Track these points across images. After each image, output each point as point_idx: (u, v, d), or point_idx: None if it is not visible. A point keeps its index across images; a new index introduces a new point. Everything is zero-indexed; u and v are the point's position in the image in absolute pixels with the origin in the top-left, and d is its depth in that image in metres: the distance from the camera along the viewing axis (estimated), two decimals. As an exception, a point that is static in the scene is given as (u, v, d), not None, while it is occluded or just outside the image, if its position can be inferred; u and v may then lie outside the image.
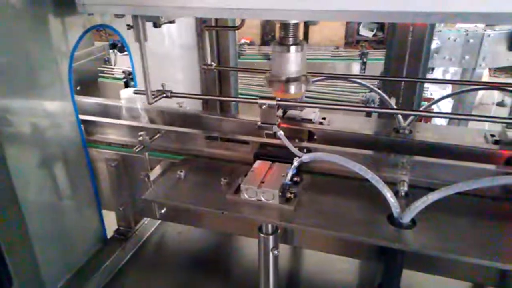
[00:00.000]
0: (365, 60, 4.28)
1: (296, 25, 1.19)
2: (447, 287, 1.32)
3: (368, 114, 2.39)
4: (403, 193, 1.12)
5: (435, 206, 0.98)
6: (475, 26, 3.01)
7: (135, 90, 1.31)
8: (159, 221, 1.72)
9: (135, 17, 1.08)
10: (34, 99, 1.19)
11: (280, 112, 1.48)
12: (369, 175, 1.04)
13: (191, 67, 2.16)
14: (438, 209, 1.02)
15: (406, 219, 1.01)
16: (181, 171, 1.26)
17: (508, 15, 0.77)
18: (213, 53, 2.06)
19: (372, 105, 2.49)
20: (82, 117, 1.41)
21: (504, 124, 1.29)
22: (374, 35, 7.41)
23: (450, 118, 2.26)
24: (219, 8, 1.00)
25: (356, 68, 4.55)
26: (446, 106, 3.73)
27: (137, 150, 1.33)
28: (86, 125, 1.49)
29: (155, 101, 1.21)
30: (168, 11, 1.06)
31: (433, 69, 3.75)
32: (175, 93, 1.27)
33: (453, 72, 4.04)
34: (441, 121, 3.37)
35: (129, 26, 1.49)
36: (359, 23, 7.11)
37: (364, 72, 4.33)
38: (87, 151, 1.41)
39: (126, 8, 1.06)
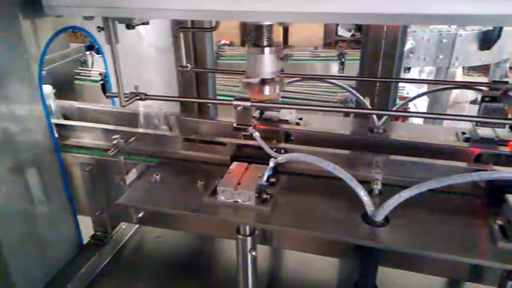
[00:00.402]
0: (343, 60, 4.33)
1: (270, 27, 1.19)
2: (423, 283, 1.35)
3: (347, 114, 2.42)
4: (377, 192, 1.14)
5: (408, 204, 1.00)
6: (449, 26, 3.09)
7: (108, 93, 1.29)
8: (137, 225, 1.69)
9: (105, 19, 1.06)
10: (2, 103, 1.16)
11: (257, 113, 1.48)
12: (343, 174, 1.05)
13: (168, 69, 2.13)
14: (412, 206, 1.04)
15: (380, 217, 1.02)
16: (157, 174, 1.24)
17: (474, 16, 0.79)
18: (190, 54, 2.04)
19: (349, 105, 2.52)
20: (54, 121, 1.37)
21: (473, 122, 1.33)
22: (352, 36, 7.50)
23: (421, 117, 2.31)
24: (192, 10, 0.99)
25: (335, 68, 4.60)
26: (422, 105, 3.82)
27: (111, 153, 1.31)
28: (59, 129, 1.46)
29: (128, 104, 1.19)
30: (139, 13, 1.05)
31: (409, 68, 3.83)
32: (149, 95, 1.25)
33: (428, 71, 4.14)
34: (418, 120, 3.45)
35: (100, 28, 1.46)
36: (337, 24, 7.19)
37: (342, 72, 4.38)
38: (60, 155, 1.38)
39: (96, 10, 1.03)
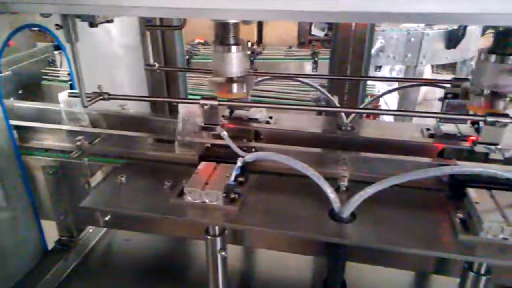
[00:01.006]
0: (316, 59, 4.37)
1: (237, 25, 1.18)
2: (391, 277, 1.37)
3: (320, 113, 2.45)
4: (344, 188, 1.15)
5: (375, 199, 1.02)
6: (418, 26, 3.17)
7: (69, 92, 1.25)
8: (105, 228, 1.65)
9: (64, 16, 1.02)
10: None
11: (227, 113, 1.47)
12: (309, 172, 1.05)
13: (137, 68, 2.10)
14: (378, 202, 1.05)
15: (346, 213, 1.03)
16: (122, 176, 1.21)
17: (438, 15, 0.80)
18: (159, 53, 2.01)
19: (321, 104, 2.54)
20: (13, 122, 1.32)
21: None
22: (325, 35, 7.57)
23: (385, 114, 2.36)
24: (157, 8, 0.97)
25: (308, 67, 4.64)
26: (393, 102, 3.90)
27: (75, 155, 1.27)
28: (20, 131, 1.40)
29: (91, 104, 1.15)
30: (101, 10, 1.01)
31: (380, 67, 3.91)
32: (113, 95, 1.22)
33: (398, 70, 4.23)
34: (390, 118, 3.52)
35: (59, 26, 1.40)
36: (310, 23, 7.25)
37: (316, 71, 4.42)
38: (21, 158, 1.33)
39: (54, 6, 0.99)
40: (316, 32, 7.38)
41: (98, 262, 1.56)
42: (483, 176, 1.03)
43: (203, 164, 1.21)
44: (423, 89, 4.19)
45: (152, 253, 1.59)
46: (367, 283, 1.33)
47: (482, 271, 1.05)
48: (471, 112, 1.18)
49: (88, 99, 1.16)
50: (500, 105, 1.03)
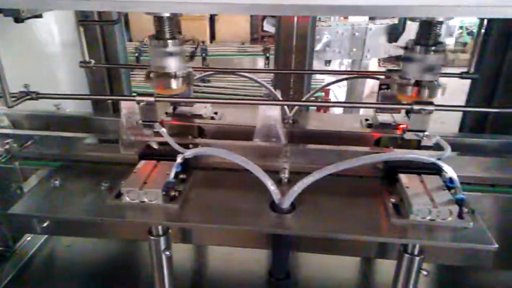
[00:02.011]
0: (268, 55, 4.39)
1: (172, 19, 1.16)
2: (334, 263, 1.41)
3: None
4: (286, 180, 1.16)
5: (315, 189, 1.04)
6: (364, 20, 3.27)
7: (-8, 93, 1.16)
8: (45, 236, 1.56)
9: (-23, 9, 0.95)
10: None
11: (171, 109, 1.44)
12: (249, 165, 1.06)
13: (77, 66, 2.00)
14: (318, 192, 1.08)
15: (286, 204, 1.05)
16: (56, 179, 1.15)
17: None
18: (99, 49, 1.93)
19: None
20: None
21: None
22: (278, 31, 7.67)
23: (325, 106, 2.42)
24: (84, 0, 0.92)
25: (261, 63, 4.67)
26: (343, 95, 4.02)
27: (3, 160, 1.19)
28: None
29: (16, 104, 1.08)
30: (23, 4, 0.95)
31: (329, 61, 4.01)
32: (43, 94, 1.15)
33: (347, 64, 4.36)
34: (339, 110, 3.62)
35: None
36: (263, 18, 7.29)
37: (268, 66, 4.45)
38: None
39: (-34, -1, 0.92)
40: (268, 28, 7.44)
41: (38, 271, 1.48)
42: (414, 162, 1.09)
43: (142, 163, 1.18)
44: (371, 82, 4.35)
45: (96, 258, 1.53)
46: (311, 271, 1.36)
47: (416, 252, 1.11)
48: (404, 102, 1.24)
49: (14, 99, 1.09)
50: (426, 93, 1.09)
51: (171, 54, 1.16)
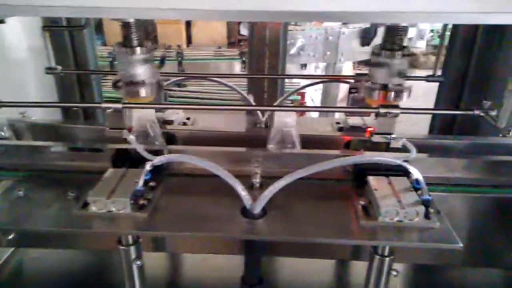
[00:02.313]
0: (244, 59, 4.40)
1: (139, 25, 1.14)
2: (308, 267, 1.42)
3: (249, 112, 2.46)
4: (258, 185, 1.16)
5: (286, 193, 1.04)
6: (338, 24, 3.33)
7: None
8: (12, 248, 1.51)
9: None
10: None
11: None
12: (219, 171, 1.05)
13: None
14: (289, 196, 1.08)
15: (257, 209, 1.04)
16: (20, 190, 1.11)
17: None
18: (68, 55, 1.89)
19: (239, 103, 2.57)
20: None
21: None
22: (255, 35, 7.69)
23: (295, 111, 2.43)
24: (47, 6, 0.90)
25: (238, 67, 4.67)
26: (318, 98, 4.07)
27: (-40, 171, 1.14)
28: None
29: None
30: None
31: (305, 65, 4.05)
32: (3, 102, 1.12)
33: (322, 67, 4.42)
34: (315, 114, 3.66)
35: None
36: (239, 23, 7.32)
37: (244, 71, 4.46)
38: None
39: None
40: (245, 32, 7.48)
41: (6, 285, 1.42)
42: (382, 164, 1.10)
43: (110, 171, 1.16)
44: (346, 86, 4.42)
45: (67, 269, 1.48)
46: (284, 275, 1.37)
47: (386, 253, 1.12)
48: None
49: (-28, 107, 1.05)
50: (392, 97, 1.11)
51: (138, 61, 1.14)
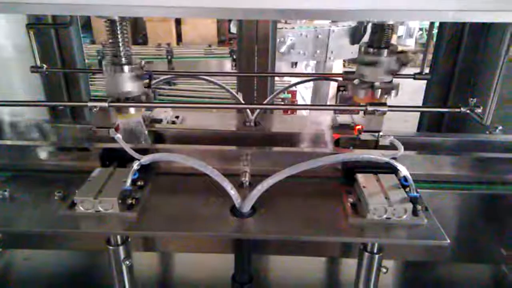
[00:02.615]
0: (234, 57, 4.39)
1: (128, 43, 1.13)
2: (298, 265, 1.42)
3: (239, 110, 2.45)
4: (247, 184, 1.16)
5: (276, 192, 1.04)
6: (327, 22, 3.33)
7: None
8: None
9: None
10: None
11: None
12: (208, 170, 1.04)
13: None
14: (279, 194, 1.08)
15: (246, 208, 1.04)
16: (5, 190, 1.10)
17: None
18: (54, 53, 1.86)
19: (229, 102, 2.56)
20: None
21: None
22: (245, 33, 7.67)
23: (283, 109, 2.43)
24: (33, 4, 0.88)
25: (228, 65, 4.65)
26: (309, 96, 4.07)
27: None
28: None
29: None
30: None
31: (296, 63, 4.05)
32: (-12, 101, 1.10)
33: (313, 65, 4.43)
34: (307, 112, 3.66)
35: None
36: (229, 21, 7.29)
37: (235, 69, 4.44)
38: None
39: None
40: (235, 30, 7.46)
41: (-7, 287, 1.40)
42: (371, 162, 1.11)
43: (97, 171, 1.14)
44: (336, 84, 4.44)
45: (56, 270, 1.46)
46: (275, 273, 1.37)
47: (375, 250, 1.13)
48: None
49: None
50: (379, 95, 1.11)
51: (128, 79, 1.13)
